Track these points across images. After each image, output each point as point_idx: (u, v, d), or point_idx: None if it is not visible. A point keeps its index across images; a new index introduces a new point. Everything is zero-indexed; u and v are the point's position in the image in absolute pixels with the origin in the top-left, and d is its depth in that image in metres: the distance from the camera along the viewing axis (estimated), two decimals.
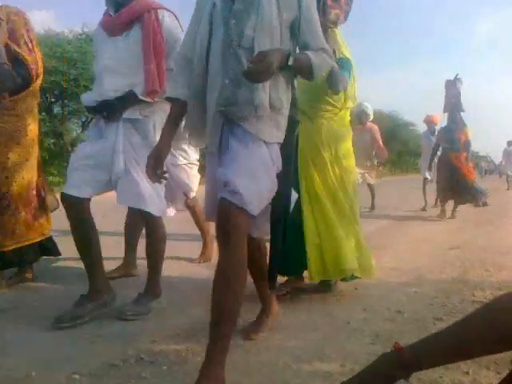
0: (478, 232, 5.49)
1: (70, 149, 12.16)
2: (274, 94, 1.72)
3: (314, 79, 1.83)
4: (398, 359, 0.99)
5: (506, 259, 3.89)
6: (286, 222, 2.02)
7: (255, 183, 1.62)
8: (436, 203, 8.12)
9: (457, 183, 6.76)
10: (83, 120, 14.03)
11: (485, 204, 6.83)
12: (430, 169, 8.18)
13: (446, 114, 7.14)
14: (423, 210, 8.24)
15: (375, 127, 7.36)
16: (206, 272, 3.14)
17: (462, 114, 7.06)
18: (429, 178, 8.46)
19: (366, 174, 7.46)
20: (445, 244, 4.59)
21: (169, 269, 3.03)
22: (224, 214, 1.52)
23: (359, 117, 7.11)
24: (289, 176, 2.00)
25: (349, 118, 3.00)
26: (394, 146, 30.62)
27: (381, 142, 7.27)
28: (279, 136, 1.79)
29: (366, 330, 2.22)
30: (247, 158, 1.66)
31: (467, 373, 1.76)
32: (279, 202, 1.90)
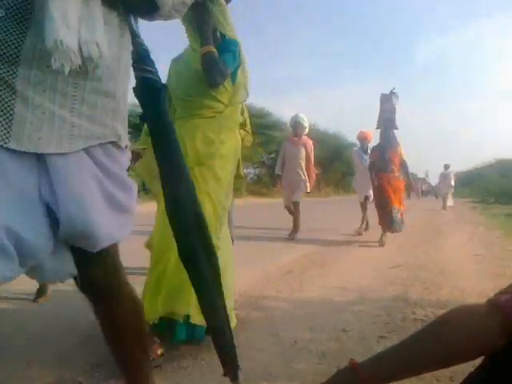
0: (416, 252, 5.69)
1: None
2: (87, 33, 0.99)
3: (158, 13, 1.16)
4: (353, 376, 0.99)
5: (443, 278, 4.04)
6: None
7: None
8: (362, 226, 7.79)
9: (384, 208, 6.30)
10: None
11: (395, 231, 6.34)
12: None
13: (379, 130, 6.59)
14: (359, 233, 7.61)
15: (310, 142, 6.92)
16: None
17: (395, 131, 6.50)
18: (371, 196, 7.67)
19: (296, 192, 6.74)
20: (386, 263, 4.72)
21: None
22: None
23: (294, 128, 6.85)
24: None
25: (239, 119, 2.56)
26: (339, 167, 31.47)
27: (312, 161, 6.82)
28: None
29: (313, 349, 2.22)
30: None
31: None
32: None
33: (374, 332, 2.54)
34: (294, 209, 6.76)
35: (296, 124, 6.77)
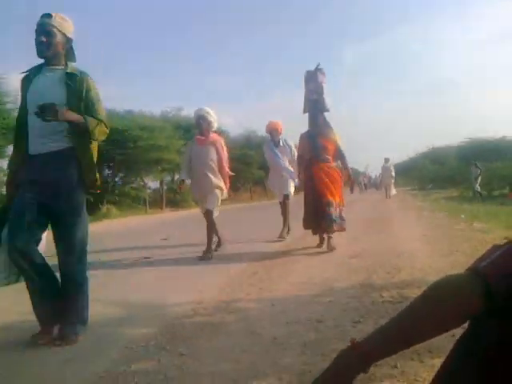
0: (372, 240, 5.88)
1: None
2: None
3: None
4: (355, 354, 1.01)
5: (402, 261, 4.20)
6: None
7: None
8: (284, 230, 6.70)
9: (316, 204, 5.23)
10: None
11: (341, 230, 5.31)
12: (299, 181, 6.24)
13: (307, 115, 5.55)
14: (282, 237, 6.48)
15: (221, 140, 5.67)
16: None
17: (326, 114, 5.51)
18: (290, 194, 6.84)
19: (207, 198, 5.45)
20: (346, 254, 4.84)
21: None
22: None
23: (198, 125, 5.54)
24: None
25: None
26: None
27: (225, 162, 5.59)
28: None
29: (293, 342, 2.24)
30: None
31: (395, 366, 1.85)
32: None
33: (348, 318, 2.60)
34: (206, 218, 5.47)
35: (200, 119, 5.48)
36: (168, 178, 23.84)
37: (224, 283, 3.78)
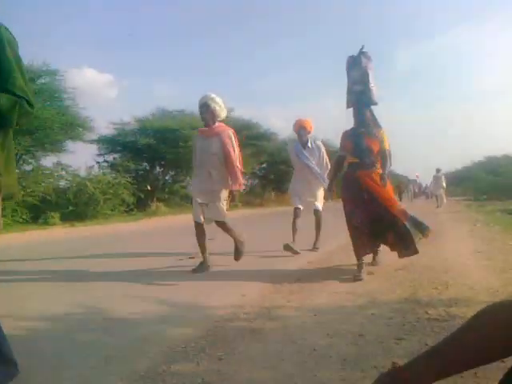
0: (420, 252, 5.68)
1: None
2: None
3: None
4: (397, 378, 0.98)
5: (451, 277, 4.05)
6: None
7: None
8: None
9: (376, 220, 4.30)
10: None
11: (415, 251, 4.36)
12: (329, 193, 5.10)
13: (351, 110, 4.61)
14: (288, 249, 5.53)
15: (228, 131, 4.77)
16: None
17: (374, 108, 4.58)
18: (301, 207, 5.97)
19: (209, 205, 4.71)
20: (392, 265, 4.71)
21: None
22: None
23: (201, 113, 4.77)
24: None
25: None
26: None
27: (236, 158, 4.72)
28: None
29: (333, 355, 2.21)
30: None
31: None
32: None
33: (391, 334, 2.53)
34: (221, 228, 4.83)
35: (202, 107, 4.73)
36: None
37: (266, 289, 3.78)
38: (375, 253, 4.70)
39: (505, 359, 0.99)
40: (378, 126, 4.56)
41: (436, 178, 20.72)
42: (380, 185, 4.32)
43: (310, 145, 6.09)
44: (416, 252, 4.32)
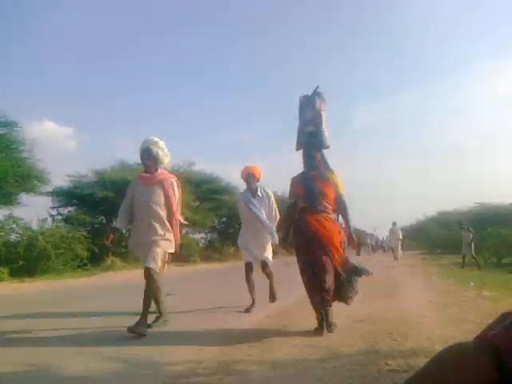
0: (379, 305, 5.73)
1: None
2: None
3: None
4: None
5: (409, 329, 4.07)
6: None
7: None
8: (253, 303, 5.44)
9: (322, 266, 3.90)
10: None
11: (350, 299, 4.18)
12: (283, 245, 4.45)
13: (301, 152, 4.34)
14: (247, 311, 5.31)
15: (171, 179, 4.48)
16: None
17: (325, 152, 4.35)
18: (251, 261, 5.56)
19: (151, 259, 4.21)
20: (352, 317, 4.70)
21: None
22: None
23: (142, 160, 4.44)
24: None
25: None
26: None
27: (176, 206, 4.42)
28: None
29: None
30: None
31: None
32: None
33: None
34: (145, 279, 4.21)
35: (144, 153, 4.39)
36: None
37: (224, 342, 3.67)
38: (327, 315, 3.99)
39: None
40: (330, 170, 4.28)
41: (392, 231, 21.48)
42: (328, 230, 3.97)
43: (259, 193, 5.62)
44: (346, 302, 4.19)
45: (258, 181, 5.68)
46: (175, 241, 4.48)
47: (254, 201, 5.57)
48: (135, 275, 12.70)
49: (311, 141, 4.24)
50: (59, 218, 17.21)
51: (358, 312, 5.10)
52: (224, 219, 26.99)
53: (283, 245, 4.43)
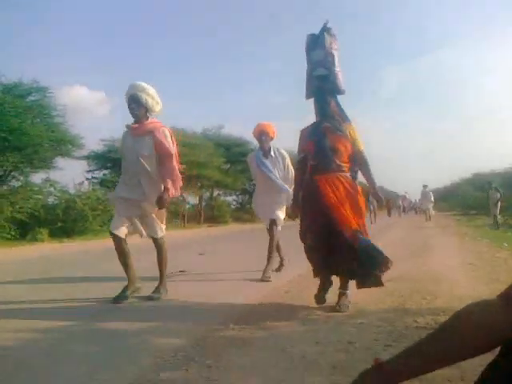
0: (408, 265, 5.73)
1: None
2: None
3: None
4: (379, 374, 1.00)
5: (439, 288, 4.08)
6: None
7: None
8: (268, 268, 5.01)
9: (329, 239, 3.37)
10: (0, 174, 13.32)
11: (378, 282, 3.40)
12: (293, 209, 3.90)
13: (312, 101, 3.69)
14: (277, 270, 5.26)
15: (163, 128, 3.97)
16: None
17: (340, 98, 3.67)
18: (279, 219, 5.20)
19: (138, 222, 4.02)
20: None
21: None
22: None
23: (130, 108, 3.90)
24: None
25: None
26: None
27: (170, 156, 3.93)
28: None
29: (322, 362, 2.21)
30: None
31: None
32: None
33: (380, 342, 2.54)
34: (157, 248, 4.16)
35: (132, 100, 3.90)
36: (207, 194, 24.19)
37: (256, 300, 3.78)
38: (340, 295, 3.51)
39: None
40: (347, 120, 3.62)
41: (424, 194, 21.78)
42: (342, 195, 3.39)
43: (272, 153, 5.17)
44: (380, 284, 3.41)
45: (271, 139, 5.21)
46: (176, 188, 3.98)
47: (267, 162, 5.14)
48: (170, 234, 13.07)
49: (323, 85, 3.59)
50: (95, 181, 17.68)
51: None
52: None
53: (293, 208, 3.86)
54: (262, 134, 5.14)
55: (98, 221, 13.27)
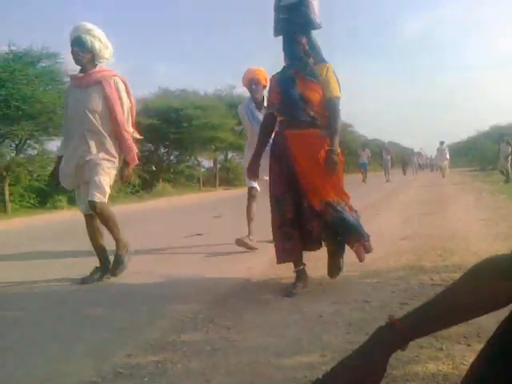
0: (424, 222, 5.73)
1: (3, 174, 11.51)
2: None
3: None
4: (393, 331, 1.02)
5: (455, 244, 4.09)
6: None
7: None
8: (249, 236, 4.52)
9: (298, 211, 2.87)
10: (16, 143, 13.45)
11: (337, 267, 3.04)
12: (249, 172, 3.24)
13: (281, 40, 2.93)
14: (241, 244, 4.40)
15: (114, 78, 3.36)
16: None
17: (315, 33, 2.94)
18: (257, 187, 4.67)
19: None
20: (396, 235, 4.76)
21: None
22: None
23: (74, 53, 3.32)
24: None
25: None
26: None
27: (125, 119, 3.37)
28: None
29: (339, 320, 2.26)
30: None
31: (441, 349, 1.84)
32: None
33: (395, 300, 2.58)
34: (100, 218, 3.41)
35: (75, 44, 3.31)
36: (221, 157, 24.19)
37: (273, 260, 3.83)
38: (331, 262, 3.08)
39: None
40: (321, 61, 2.93)
41: (440, 151, 21.79)
42: (317, 157, 2.78)
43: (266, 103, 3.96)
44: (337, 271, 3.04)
45: (264, 88, 4.40)
46: (130, 161, 3.45)
47: (259, 114, 4.36)
48: (185, 199, 13.20)
49: (292, 19, 2.81)
50: None
51: (402, 230, 5.15)
52: None
53: (250, 171, 3.19)
54: (252, 83, 4.43)
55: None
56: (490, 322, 1.72)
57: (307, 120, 2.82)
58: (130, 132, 3.43)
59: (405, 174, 24.48)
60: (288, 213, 2.86)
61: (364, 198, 8.98)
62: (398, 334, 1.02)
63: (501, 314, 1.04)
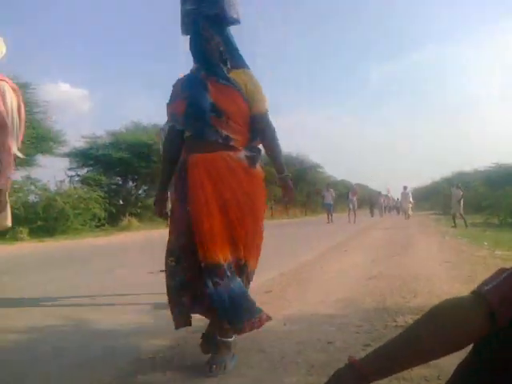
0: (390, 263, 5.79)
1: None
2: None
3: None
4: (354, 371, 1.01)
5: (419, 286, 4.13)
6: None
7: None
8: None
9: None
10: None
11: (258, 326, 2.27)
12: (157, 207, 2.47)
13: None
14: None
15: (6, 85, 2.57)
16: None
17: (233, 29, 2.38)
18: None
19: None
20: (362, 275, 4.78)
21: None
22: None
23: None
24: None
25: None
26: (304, 187, 31.87)
27: (5, 128, 2.35)
28: None
29: (301, 361, 2.22)
30: None
31: None
32: None
33: (359, 341, 2.56)
34: None
35: None
36: None
37: None
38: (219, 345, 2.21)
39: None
40: (240, 64, 2.36)
41: (404, 195, 23.36)
42: (227, 189, 2.14)
43: None
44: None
45: None
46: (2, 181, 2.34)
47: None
48: (152, 234, 12.96)
49: (201, 11, 2.23)
50: (76, 179, 17.46)
51: (368, 270, 5.18)
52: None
53: (158, 206, 2.43)
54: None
55: (79, 220, 13.11)
56: (450, 364, 1.72)
57: (218, 141, 2.16)
58: (11, 146, 2.41)
59: (372, 215, 24.90)
60: (188, 274, 2.16)
61: (332, 238, 9.04)
62: (358, 374, 1.00)
63: (462, 356, 1.04)
